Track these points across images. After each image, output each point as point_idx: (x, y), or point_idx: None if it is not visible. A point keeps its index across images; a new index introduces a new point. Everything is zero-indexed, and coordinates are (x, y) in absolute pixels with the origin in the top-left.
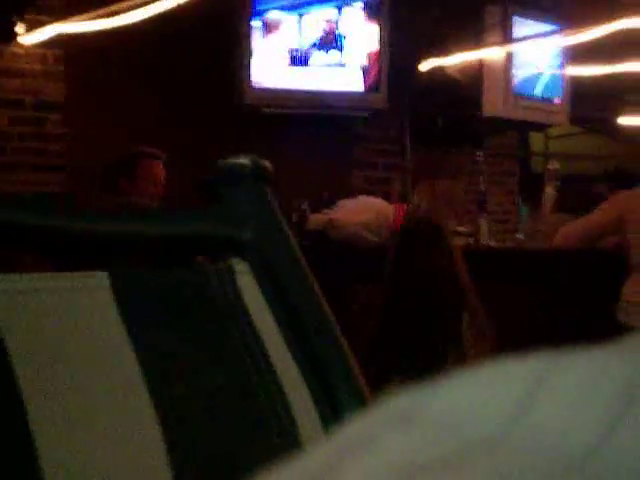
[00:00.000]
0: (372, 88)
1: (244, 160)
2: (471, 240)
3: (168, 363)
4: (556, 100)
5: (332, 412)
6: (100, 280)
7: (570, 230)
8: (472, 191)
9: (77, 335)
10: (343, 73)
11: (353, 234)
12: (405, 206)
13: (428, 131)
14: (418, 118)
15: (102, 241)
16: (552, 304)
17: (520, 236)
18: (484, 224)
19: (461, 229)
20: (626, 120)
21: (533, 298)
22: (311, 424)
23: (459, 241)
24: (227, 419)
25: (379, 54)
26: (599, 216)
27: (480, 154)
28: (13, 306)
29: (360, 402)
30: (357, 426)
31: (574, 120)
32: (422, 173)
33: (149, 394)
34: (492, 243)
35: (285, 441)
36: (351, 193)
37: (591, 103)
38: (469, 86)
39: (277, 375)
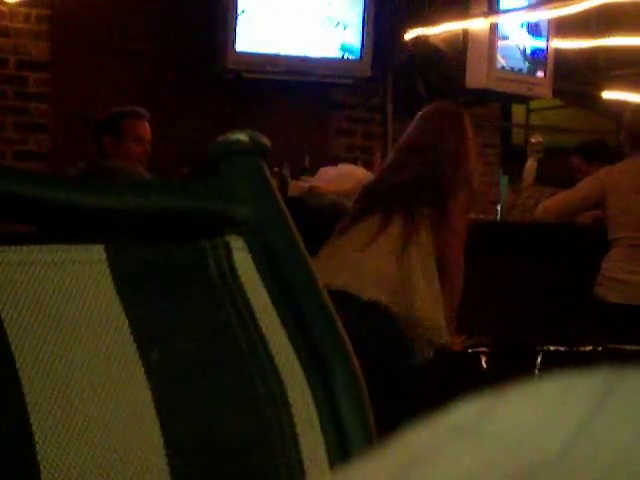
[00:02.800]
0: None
1: (242, 135)
2: None
3: (163, 337)
4: (539, 73)
5: (326, 393)
6: (96, 253)
7: (551, 203)
8: None
9: (73, 308)
10: (326, 39)
11: (334, 202)
12: None
13: (410, 100)
14: (400, 87)
15: (96, 214)
16: (530, 277)
17: (498, 208)
18: None
19: None
20: (611, 95)
21: (511, 271)
22: (305, 404)
23: None
24: (222, 398)
25: (363, 21)
26: (581, 191)
27: None
28: (8, 278)
29: (354, 385)
30: (423, 435)
31: (557, 93)
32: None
33: (144, 369)
34: (472, 215)
35: (279, 420)
36: (332, 161)
37: (575, 77)
38: (453, 56)
39: (271, 352)
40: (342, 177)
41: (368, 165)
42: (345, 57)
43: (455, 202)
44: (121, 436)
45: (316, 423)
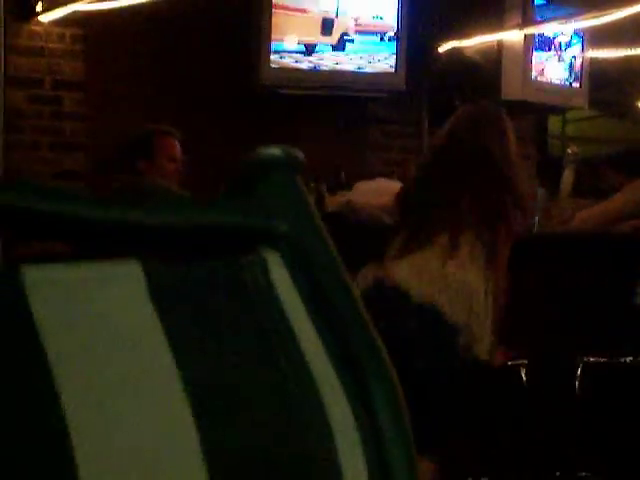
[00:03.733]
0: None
1: (276, 150)
2: None
3: (202, 354)
4: (575, 83)
5: (363, 407)
6: (134, 269)
7: (588, 215)
8: None
9: (111, 324)
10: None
11: (371, 216)
12: None
13: (446, 113)
14: (436, 100)
15: (132, 231)
16: (568, 287)
17: (536, 220)
18: None
19: None
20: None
21: (549, 281)
22: (342, 417)
23: None
24: (258, 410)
25: (397, 34)
26: (617, 202)
27: None
28: (46, 296)
29: (392, 398)
30: None
31: (593, 103)
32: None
33: (183, 386)
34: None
35: (316, 434)
36: (368, 175)
37: (611, 87)
38: (488, 69)
39: (310, 369)
40: (379, 191)
41: (404, 179)
42: (380, 71)
43: (505, 227)
44: (162, 454)
45: (357, 443)
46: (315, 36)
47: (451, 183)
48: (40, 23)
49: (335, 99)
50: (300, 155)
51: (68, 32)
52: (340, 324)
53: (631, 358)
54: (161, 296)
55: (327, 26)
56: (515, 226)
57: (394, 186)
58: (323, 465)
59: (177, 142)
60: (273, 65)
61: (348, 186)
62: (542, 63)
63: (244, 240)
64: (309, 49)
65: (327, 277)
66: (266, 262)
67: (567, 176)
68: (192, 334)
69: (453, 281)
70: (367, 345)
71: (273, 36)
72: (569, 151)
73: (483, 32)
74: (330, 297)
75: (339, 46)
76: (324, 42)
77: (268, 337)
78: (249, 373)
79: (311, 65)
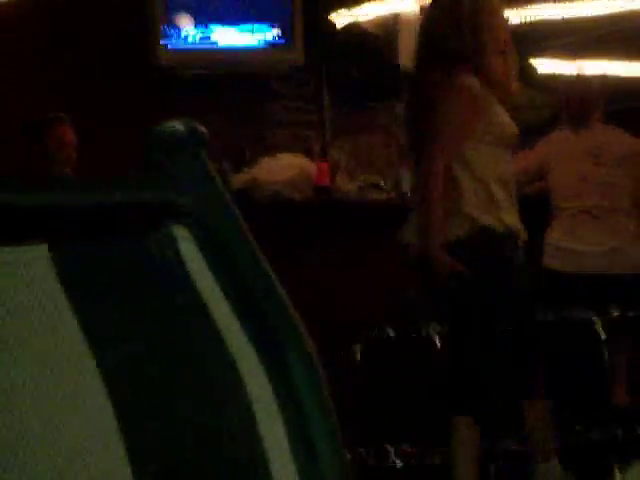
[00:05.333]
0: (287, 44)
1: (179, 124)
2: (393, 194)
3: (115, 335)
4: None
5: (282, 380)
6: (40, 252)
7: None
8: (393, 144)
9: (19, 310)
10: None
11: (277, 192)
12: (326, 162)
13: (345, 87)
14: (335, 74)
15: (34, 213)
16: None
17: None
18: (406, 177)
19: (382, 183)
20: (544, 67)
21: None
22: (261, 391)
23: (380, 195)
24: (176, 388)
25: (293, 9)
26: (522, 163)
27: (399, 107)
28: None
29: (308, 366)
30: None
31: None
32: (341, 129)
33: (99, 370)
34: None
35: (235, 409)
36: (271, 151)
37: None
38: (386, 40)
39: (226, 344)
40: (283, 167)
41: (308, 154)
42: (276, 46)
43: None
44: (77, 442)
45: (277, 415)
46: (210, 15)
47: None
48: None
49: (233, 77)
50: (202, 128)
51: None
52: (254, 298)
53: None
54: (70, 278)
55: (222, 4)
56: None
57: (298, 161)
58: (244, 438)
59: (68, 127)
60: (169, 46)
61: (252, 163)
62: None
63: (151, 217)
64: (204, 28)
65: (238, 252)
66: (175, 238)
67: None
68: (104, 314)
69: None
70: (283, 318)
71: (167, 17)
72: None
73: (378, 3)
74: (242, 272)
75: (235, 23)
76: (219, 21)
77: (181, 314)
78: (164, 350)
79: (207, 44)
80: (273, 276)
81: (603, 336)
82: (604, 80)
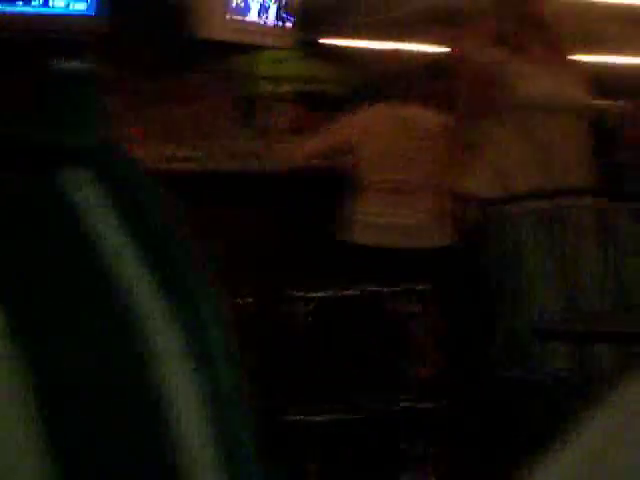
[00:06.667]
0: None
1: (70, 64)
2: (194, 164)
3: (18, 282)
4: (270, 22)
5: (192, 333)
6: None
7: (310, 149)
8: (190, 116)
9: None
10: None
11: None
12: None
13: (135, 56)
14: (124, 44)
15: None
16: (274, 225)
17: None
18: (206, 148)
19: (181, 154)
20: (328, 41)
21: (254, 220)
22: (170, 344)
23: (179, 166)
24: (83, 337)
25: None
26: (329, 138)
27: (197, 77)
28: None
29: (219, 319)
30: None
31: (295, 43)
32: (135, 100)
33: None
34: (211, 165)
35: (142, 363)
36: None
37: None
38: (181, 7)
39: (132, 295)
40: None
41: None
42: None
43: None
44: None
45: (187, 370)
46: None
47: None
48: None
49: (39, 43)
50: (96, 68)
51: None
52: (161, 244)
53: (352, 292)
54: None
55: None
56: None
57: None
58: (152, 393)
59: None
60: None
61: None
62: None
63: (45, 159)
64: None
65: (139, 192)
66: (70, 180)
67: (276, 114)
68: (5, 262)
69: None
70: (190, 263)
71: None
72: (279, 90)
73: None
74: (147, 215)
75: None
76: None
77: (84, 263)
78: (70, 298)
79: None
80: (181, 221)
81: (406, 310)
82: (425, 58)
